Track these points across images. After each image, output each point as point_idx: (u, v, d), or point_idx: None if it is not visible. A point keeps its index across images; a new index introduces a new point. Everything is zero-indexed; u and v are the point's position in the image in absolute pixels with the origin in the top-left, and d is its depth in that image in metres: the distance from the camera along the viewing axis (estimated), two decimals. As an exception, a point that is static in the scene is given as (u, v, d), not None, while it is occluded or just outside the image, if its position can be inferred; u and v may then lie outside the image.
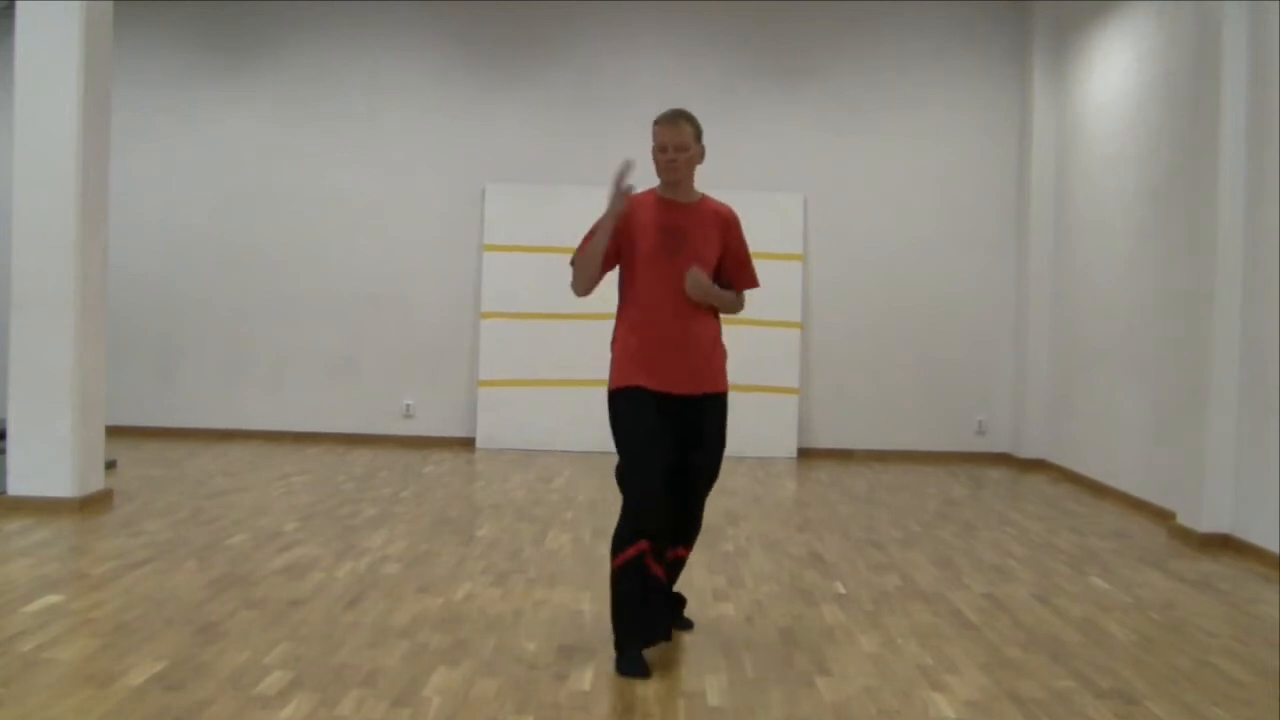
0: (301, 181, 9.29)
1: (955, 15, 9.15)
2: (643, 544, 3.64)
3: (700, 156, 3.84)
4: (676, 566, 4.04)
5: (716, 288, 3.84)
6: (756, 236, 9.32)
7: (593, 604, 4.47)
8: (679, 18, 9.22)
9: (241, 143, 9.30)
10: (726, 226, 3.92)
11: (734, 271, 3.97)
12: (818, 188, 9.21)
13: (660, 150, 3.79)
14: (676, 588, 4.19)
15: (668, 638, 3.77)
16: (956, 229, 9.19)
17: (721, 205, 3.96)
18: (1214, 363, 5.86)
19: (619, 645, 3.68)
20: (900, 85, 9.18)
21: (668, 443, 3.76)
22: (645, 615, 3.66)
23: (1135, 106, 7.35)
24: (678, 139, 3.76)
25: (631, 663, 3.62)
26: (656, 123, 3.79)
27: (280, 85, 9.29)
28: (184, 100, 9.31)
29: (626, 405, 3.77)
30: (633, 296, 3.83)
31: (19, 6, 5.98)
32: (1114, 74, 7.71)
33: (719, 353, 3.93)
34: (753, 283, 4.02)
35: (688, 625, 4.14)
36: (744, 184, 9.02)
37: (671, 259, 3.78)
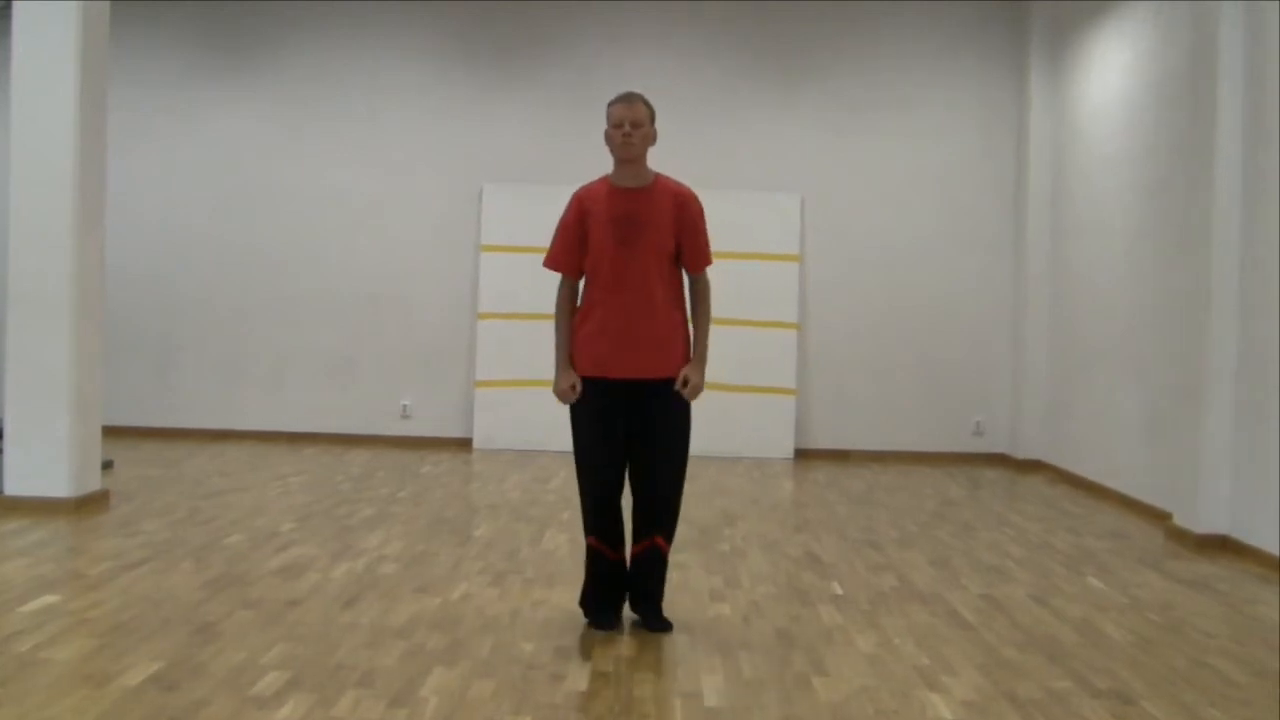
0: (300, 181, 9.29)
1: (953, 16, 9.16)
2: (592, 539, 4.08)
3: (653, 138, 3.99)
4: (653, 558, 4.08)
5: (701, 373, 4.01)
6: (755, 237, 9.37)
7: (590, 604, 4.47)
8: (679, 18, 9.23)
9: (241, 143, 9.30)
10: (682, 205, 3.99)
11: (688, 251, 4.03)
12: (816, 188, 9.21)
13: (616, 127, 3.92)
14: (667, 589, 4.23)
15: (611, 626, 4.06)
16: (954, 229, 9.20)
17: (678, 185, 4.05)
18: (1211, 363, 5.86)
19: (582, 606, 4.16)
20: (898, 85, 9.19)
21: (619, 444, 3.99)
22: (597, 593, 4.10)
23: (1133, 107, 7.35)
24: (633, 115, 3.91)
25: (599, 622, 4.07)
26: (612, 103, 3.96)
27: (280, 85, 9.29)
28: (184, 100, 9.31)
29: (581, 405, 4.00)
30: (590, 286, 3.99)
31: (16, 6, 5.98)
32: (1111, 74, 7.71)
33: (677, 338, 4.00)
34: (706, 260, 4.08)
35: (664, 627, 4.08)
36: (742, 184, 9.02)
37: (627, 248, 3.88)
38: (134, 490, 6.68)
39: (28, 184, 5.98)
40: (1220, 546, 5.80)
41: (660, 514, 4.07)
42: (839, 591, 4.79)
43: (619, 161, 4.00)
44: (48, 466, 5.95)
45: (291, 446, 8.87)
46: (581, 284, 4.10)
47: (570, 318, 4.07)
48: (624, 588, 4.15)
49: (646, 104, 3.97)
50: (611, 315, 3.92)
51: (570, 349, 4.05)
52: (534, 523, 6.09)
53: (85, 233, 6.06)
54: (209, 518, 5.95)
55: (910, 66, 9.18)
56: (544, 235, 8.91)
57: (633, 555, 4.13)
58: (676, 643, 3.98)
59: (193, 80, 9.31)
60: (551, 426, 8.96)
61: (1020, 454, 8.90)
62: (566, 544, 5.56)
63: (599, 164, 8.99)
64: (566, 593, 4.61)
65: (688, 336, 4.06)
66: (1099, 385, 7.75)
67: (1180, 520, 6.06)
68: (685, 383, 3.97)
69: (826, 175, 9.23)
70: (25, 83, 5.97)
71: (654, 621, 4.10)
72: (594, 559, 4.11)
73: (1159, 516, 6.53)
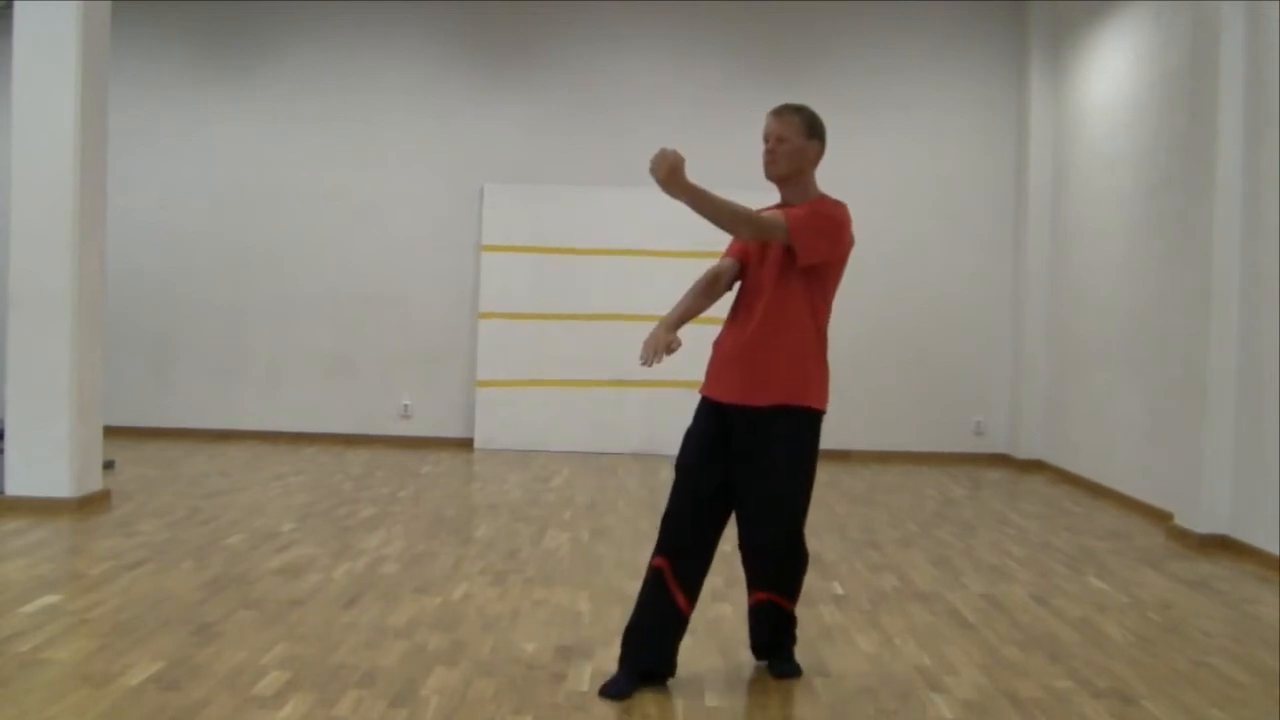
0: (299, 181, 9.29)
1: (952, 16, 9.16)
2: (659, 560, 3.47)
3: (810, 154, 3.56)
4: (768, 612, 3.66)
5: (682, 175, 3.09)
6: (755, 237, 9.29)
7: (591, 604, 4.46)
8: (677, 18, 9.22)
9: (240, 143, 9.30)
10: (809, 208, 3.51)
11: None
12: (816, 188, 9.19)
13: (764, 140, 3.58)
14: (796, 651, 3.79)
15: (623, 693, 3.42)
16: (954, 229, 9.20)
17: (825, 203, 3.58)
18: (1211, 363, 5.86)
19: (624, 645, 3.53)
20: (898, 85, 9.19)
21: (710, 472, 3.48)
22: (640, 636, 3.49)
23: (1133, 107, 7.35)
24: (779, 129, 3.54)
25: (612, 683, 3.45)
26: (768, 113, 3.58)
27: (280, 85, 9.29)
28: (183, 100, 9.31)
29: (693, 420, 3.59)
30: (733, 301, 3.62)
31: (16, 6, 5.98)
32: (1111, 74, 7.71)
33: (786, 366, 3.44)
34: (792, 229, 3.36)
35: (791, 671, 3.67)
36: (741, 185, 8.98)
37: (758, 266, 3.52)
38: (134, 490, 6.68)
39: (29, 184, 5.97)
40: (1221, 546, 5.80)
41: (764, 568, 3.60)
42: (840, 591, 4.79)
43: (767, 177, 3.61)
44: (48, 467, 5.94)
45: (291, 446, 8.87)
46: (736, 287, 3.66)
47: (703, 286, 3.55)
48: (675, 641, 3.53)
49: (802, 116, 3.54)
50: (727, 334, 3.57)
51: (684, 316, 3.47)
52: (534, 522, 6.09)
53: (86, 233, 6.05)
54: (209, 518, 5.95)
55: (910, 66, 9.18)
56: (544, 235, 9.05)
57: (748, 605, 3.75)
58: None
59: (193, 80, 9.30)
60: (552, 426, 8.99)
61: (1021, 454, 8.89)
62: (567, 543, 5.56)
63: (599, 163, 9.06)
64: (567, 593, 4.61)
65: (809, 371, 3.46)
66: (1099, 385, 7.75)
67: (1181, 520, 6.06)
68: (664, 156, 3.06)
69: (826, 175, 9.14)
70: (26, 83, 5.97)
71: (779, 665, 3.68)
72: (650, 585, 3.48)
73: (1159, 516, 6.53)
